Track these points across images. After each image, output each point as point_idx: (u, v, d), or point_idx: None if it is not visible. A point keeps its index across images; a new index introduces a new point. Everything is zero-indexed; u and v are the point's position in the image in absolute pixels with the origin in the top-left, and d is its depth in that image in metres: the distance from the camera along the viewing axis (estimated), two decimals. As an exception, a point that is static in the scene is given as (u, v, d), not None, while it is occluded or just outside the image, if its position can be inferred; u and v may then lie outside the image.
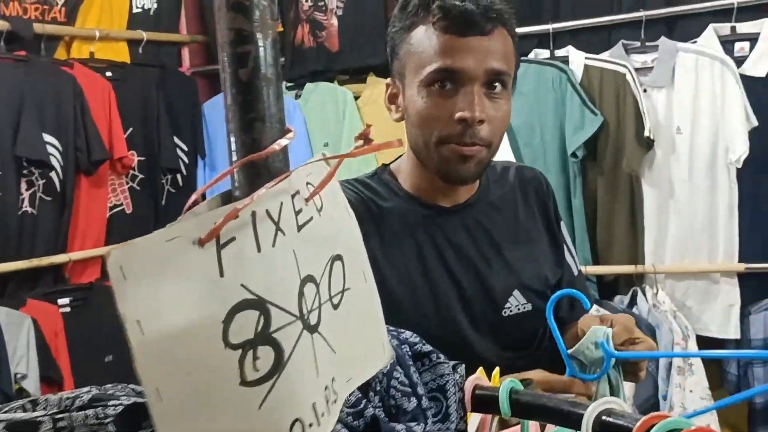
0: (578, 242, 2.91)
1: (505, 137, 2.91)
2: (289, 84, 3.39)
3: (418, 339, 1.12)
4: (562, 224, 1.46)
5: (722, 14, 2.79)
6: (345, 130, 3.24)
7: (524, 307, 1.33)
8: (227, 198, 0.60)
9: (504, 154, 2.87)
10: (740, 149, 2.67)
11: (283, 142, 0.62)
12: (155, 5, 3.43)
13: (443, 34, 1.18)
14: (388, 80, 1.33)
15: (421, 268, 1.30)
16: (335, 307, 0.66)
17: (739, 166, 2.69)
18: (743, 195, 2.76)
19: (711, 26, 2.77)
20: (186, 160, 3.47)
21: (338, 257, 0.68)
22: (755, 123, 2.68)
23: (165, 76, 3.35)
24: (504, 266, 1.33)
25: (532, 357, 1.23)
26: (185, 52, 3.60)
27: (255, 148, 0.59)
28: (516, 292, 1.33)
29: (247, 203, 0.54)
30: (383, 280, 1.23)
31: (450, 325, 1.29)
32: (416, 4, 1.23)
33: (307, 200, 0.63)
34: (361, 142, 0.65)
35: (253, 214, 0.54)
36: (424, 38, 1.21)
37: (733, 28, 2.77)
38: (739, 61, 2.74)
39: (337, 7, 3.23)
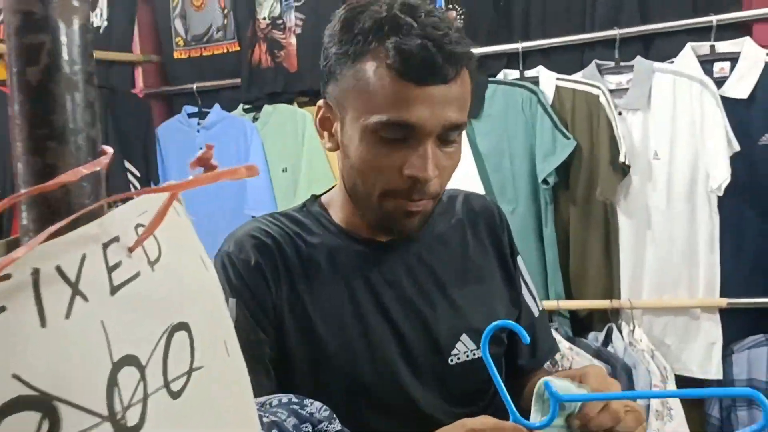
0: (550, 275, 2.72)
1: (473, 163, 2.74)
2: (246, 106, 3.20)
3: (327, 413, 0.96)
4: (519, 259, 1.31)
5: (701, 33, 2.62)
6: (304, 154, 3.05)
7: (473, 354, 1.17)
8: (14, 245, 0.43)
9: (471, 181, 2.69)
10: (721, 176, 2.49)
11: (84, 170, 0.43)
12: (105, 23, 3.25)
13: (398, 79, 1.01)
14: (321, 102, 1.15)
15: (354, 312, 1.14)
16: (175, 395, 0.47)
17: (720, 194, 2.51)
18: (725, 225, 2.58)
19: (689, 45, 2.61)
20: (138, 186, 3.27)
21: (181, 326, 0.49)
22: (737, 148, 2.51)
23: (115, 98, 3.16)
24: (450, 308, 1.18)
25: (485, 412, 1.06)
26: (138, 73, 3.41)
27: (47, 176, 0.42)
28: (464, 337, 1.17)
29: (16, 257, 0.37)
30: (311, 327, 1.12)
31: (389, 376, 1.13)
32: (366, 31, 1.05)
33: (131, 249, 0.44)
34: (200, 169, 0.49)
35: (36, 272, 0.38)
36: (374, 78, 1.03)
37: (712, 48, 2.60)
38: (719, 82, 2.57)
39: (296, 25, 3.06)
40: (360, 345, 1.13)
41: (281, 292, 1.12)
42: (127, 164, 3.21)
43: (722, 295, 2.59)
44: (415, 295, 1.17)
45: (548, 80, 2.73)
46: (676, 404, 2.51)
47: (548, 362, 1.35)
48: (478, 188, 2.70)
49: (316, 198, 1.27)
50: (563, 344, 2.60)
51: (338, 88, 1.09)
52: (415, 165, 1.04)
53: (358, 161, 1.08)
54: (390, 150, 1.04)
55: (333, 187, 1.26)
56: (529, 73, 2.78)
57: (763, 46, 2.55)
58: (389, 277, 1.17)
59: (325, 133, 1.16)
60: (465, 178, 2.69)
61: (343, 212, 1.20)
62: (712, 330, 2.61)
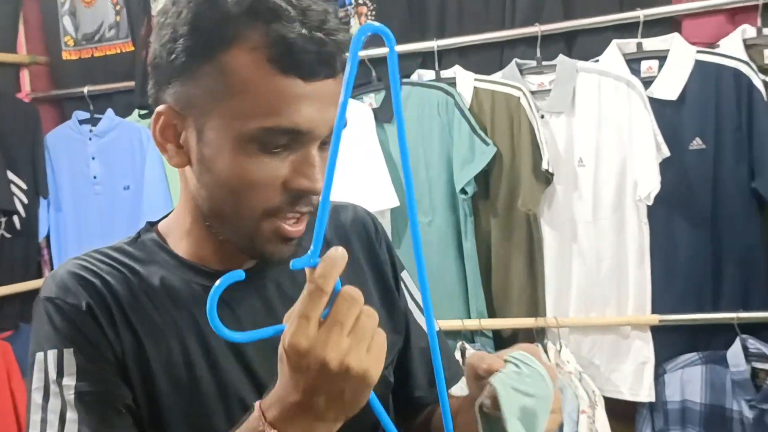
0: (471, 292, 2.52)
1: (386, 171, 2.52)
2: (142, 111, 2.93)
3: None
4: (405, 274, 1.14)
5: (627, 29, 2.44)
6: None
7: None
8: None
9: (384, 191, 2.47)
10: (650, 184, 2.31)
11: None
12: (-16, 20, 2.95)
13: (281, 74, 0.83)
14: (162, 108, 0.90)
15: (202, 355, 0.93)
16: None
17: (650, 203, 2.33)
18: (655, 236, 2.40)
19: (614, 42, 2.42)
20: (25, 200, 2.98)
21: None
22: (667, 153, 2.33)
23: (-4, 102, 2.87)
24: None
25: None
26: (24, 75, 3.11)
27: None
28: None
29: None
30: (148, 376, 0.92)
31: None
32: (231, 18, 0.84)
33: None
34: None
35: None
36: (251, 71, 0.83)
37: (639, 45, 2.42)
38: (647, 82, 2.39)
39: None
40: (211, 393, 0.93)
41: (120, 339, 0.91)
42: (12, 176, 2.92)
43: (653, 311, 2.41)
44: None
45: (466, 81, 2.52)
46: (604, 427, 2.33)
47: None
48: (392, 199, 2.48)
49: (151, 225, 1.04)
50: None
51: (191, 88, 0.86)
52: (302, 175, 0.87)
53: (228, 176, 0.87)
54: (271, 159, 0.86)
55: (170, 213, 1.03)
56: (445, 74, 2.57)
57: (694, 43, 2.38)
58: (245, 315, 0.96)
59: (169, 146, 0.92)
60: (377, 188, 2.48)
61: (186, 241, 0.98)
62: (643, 349, 2.43)
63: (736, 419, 2.30)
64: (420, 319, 1.12)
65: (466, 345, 2.49)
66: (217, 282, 0.75)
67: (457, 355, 2.45)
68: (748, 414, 2.27)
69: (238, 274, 0.77)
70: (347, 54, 0.78)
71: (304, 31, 0.82)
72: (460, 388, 1.12)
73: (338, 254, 0.74)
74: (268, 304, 0.98)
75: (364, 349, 0.74)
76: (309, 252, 0.73)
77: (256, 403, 0.79)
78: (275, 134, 0.84)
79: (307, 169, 0.87)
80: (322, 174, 0.83)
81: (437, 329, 1.07)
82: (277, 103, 0.83)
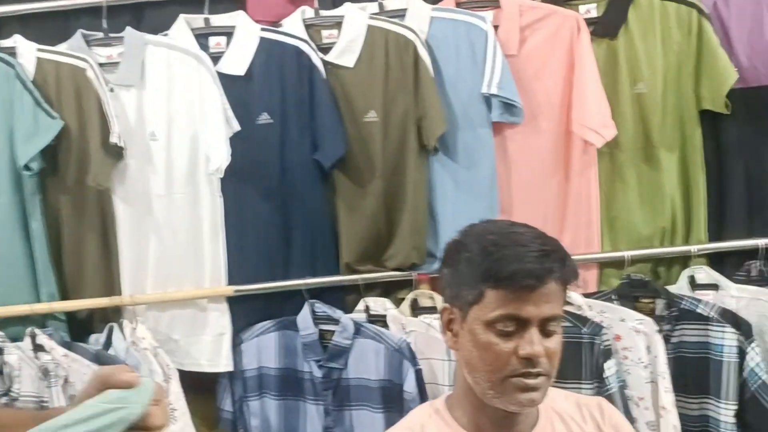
0: (40, 275, 2.39)
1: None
2: None
3: None
4: None
5: (195, 4, 2.47)
6: None
7: None
8: None
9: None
10: (220, 157, 2.34)
11: None
12: None
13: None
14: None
15: None
16: None
17: (221, 176, 2.37)
18: (229, 210, 2.45)
19: (182, 17, 2.43)
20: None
21: None
22: (237, 128, 2.38)
23: None
24: None
25: None
26: None
27: None
28: None
29: None
30: None
31: None
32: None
33: None
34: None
35: None
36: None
37: (207, 20, 2.46)
38: (216, 58, 2.43)
39: None
40: None
41: None
42: None
43: (229, 282, 2.46)
44: None
45: (28, 51, 2.38)
46: (180, 404, 2.33)
47: None
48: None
49: None
50: (58, 351, 2.29)
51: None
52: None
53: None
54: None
55: None
56: (5, 43, 2.41)
57: (258, 21, 2.46)
58: None
59: None
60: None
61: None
62: (221, 320, 2.47)
63: (307, 379, 2.42)
64: None
65: (37, 331, 2.34)
66: None
67: (28, 342, 2.30)
68: (317, 373, 2.39)
69: None
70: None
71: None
72: None
73: None
74: None
75: None
76: None
77: None
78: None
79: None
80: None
81: None
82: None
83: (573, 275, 1.37)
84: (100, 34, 2.42)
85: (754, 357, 2.30)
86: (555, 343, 1.33)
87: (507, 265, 1.29)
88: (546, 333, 1.31)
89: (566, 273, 1.34)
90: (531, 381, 1.30)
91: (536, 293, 1.29)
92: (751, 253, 2.47)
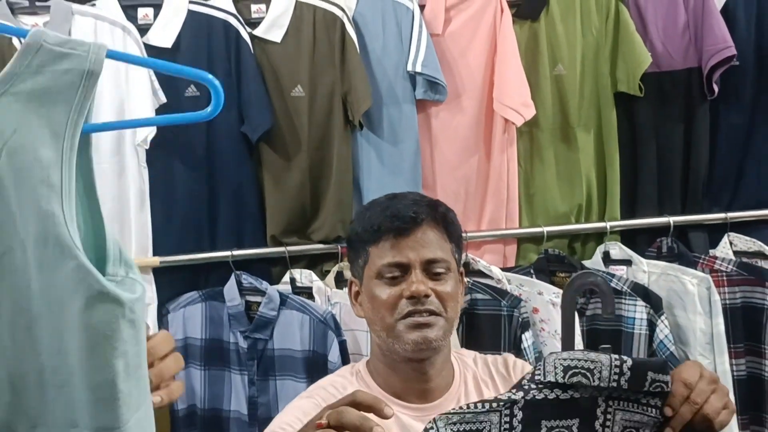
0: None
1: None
2: None
3: None
4: None
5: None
6: None
7: None
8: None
9: None
10: (146, 128, 2.36)
11: None
12: None
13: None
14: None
15: None
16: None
17: (147, 146, 2.38)
18: (155, 181, 2.46)
19: (110, -13, 2.43)
20: None
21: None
22: (163, 99, 2.40)
23: None
24: None
25: None
26: None
27: None
28: None
29: None
30: None
31: None
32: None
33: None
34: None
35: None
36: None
37: (132, -8, 2.47)
38: (144, 30, 2.44)
39: None
40: None
41: None
42: None
43: (155, 253, 2.47)
44: None
45: (-50, 17, 2.35)
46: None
47: None
48: None
49: None
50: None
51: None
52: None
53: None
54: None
55: None
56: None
57: (187, -6, 2.47)
58: None
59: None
60: None
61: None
62: (147, 291, 2.48)
63: (233, 350, 2.45)
64: None
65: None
66: None
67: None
68: (243, 344, 2.42)
69: None
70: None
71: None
72: None
73: None
74: None
75: None
76: None
77: None
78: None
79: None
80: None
81: None
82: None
83: (446, 222, 1.49)
84: (26, 2, 2.40)
85: (663, 329, 2.41)
86: (445, 286, 1.44)
87: (379, 216, 1.45)
88: (432, 276, 1.43)
89: (438, 217, 1.47)
90: (420, 318, 1.41)
91: (411, 238, 1.44)
92: (662, 230, 2.60)
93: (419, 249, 1.44)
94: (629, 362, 1.08)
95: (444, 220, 1.49)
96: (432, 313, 1.41)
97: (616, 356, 1.09)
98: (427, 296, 1.41)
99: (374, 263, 1.46)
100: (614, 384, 1.07)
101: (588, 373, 1.08)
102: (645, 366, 1.07)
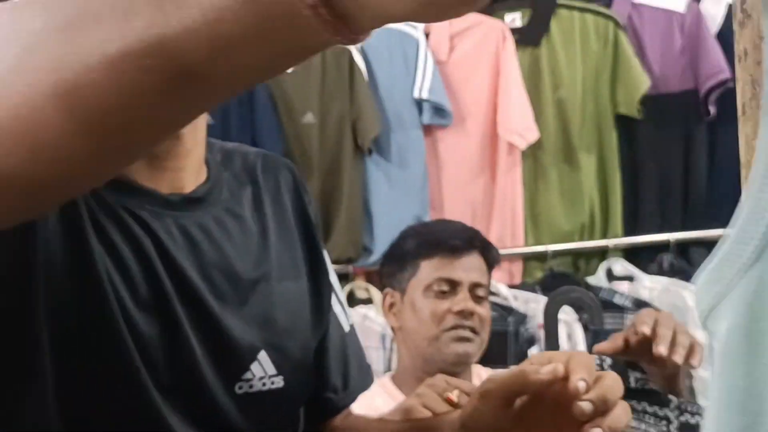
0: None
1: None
2: None
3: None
4: (325, 252, 0.94)
5: None
6: None
7: (271, 383, 0.79)
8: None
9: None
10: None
11: None
12: None
13: None
14: None
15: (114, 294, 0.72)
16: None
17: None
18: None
19: None
20: None
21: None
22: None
23: None
24: (246, 311, 0.80)
25: None
26: None
27: None
28: (262, 356, 0.79)
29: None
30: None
31: (135, 397, 0.72)
32: None
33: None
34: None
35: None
36: None
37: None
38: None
39: None
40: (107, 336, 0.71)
41: None
42: None
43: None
44: (200, 283, 0.77)
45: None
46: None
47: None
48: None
49: None
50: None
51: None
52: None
53: None
54: None
55: None
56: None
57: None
58: (172, 251, 0.76)
59: None
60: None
61: None
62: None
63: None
64: (337, 307, 0.93)
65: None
66: None
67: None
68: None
69: None
70: None
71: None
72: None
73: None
74: (195, 245, 0.78)
75: None
76: None
77: None
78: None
79: None
80: None
81: (351, 321, 0.96)
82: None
83: (494, 255, 1.63)
84: None
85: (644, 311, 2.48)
86: (484, 309, 1.55)
87: (436, 234, 1.57)
88: (476, 298, 1.53)
89: (487, 247, 1.59)
90: (464, 333, 1.51)
91: (463, 259, 1.54)
92: (663, 247, 2.67)
93: (469, 271, 1.55)
94: (609, 361, 1.14)
95: (488, 249, 1.61)
96: (473, 331, 1.52)
97: (597, 357, 1.15)
98: (472, 314, 1.51)
99: (424, 276, 1.55)
100: None
101: None
102: (625, 365, 1.14)
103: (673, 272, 2.64)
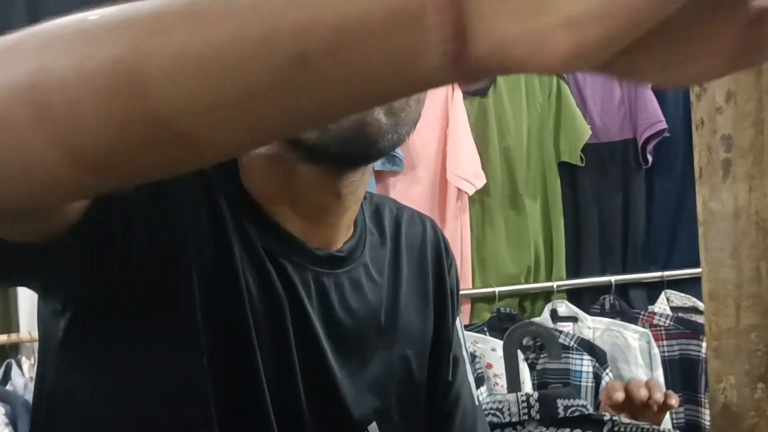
0: None
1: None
2: None
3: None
4: (458, 321, 0.93)
5: None
6: None
7: None
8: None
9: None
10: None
11: None
12: None
13: None
14: None
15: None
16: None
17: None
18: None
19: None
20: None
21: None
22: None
23: None
24: (364, 375, 0.79)
25: None
26: None
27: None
28: (373, 427, 0.78)
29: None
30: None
31: None
32: None
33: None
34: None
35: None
36: None
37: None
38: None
39: None
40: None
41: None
42: None
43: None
44: (325, 342, 0.75)
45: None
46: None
47: None
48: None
49: None
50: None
51: None
52: None
53: None
54: None
55: None
56: None
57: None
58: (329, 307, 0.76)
59: None
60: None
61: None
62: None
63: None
64: (470, 378, 0.93)
65: None
66: None
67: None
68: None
69: None
70: None
71: None
72: None
73: None
74: (342, 297, 0.77)
75: None
76: None
77: None
78: None
79: None
80: None
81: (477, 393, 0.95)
82: None
83: None
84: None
85: (608, 381, 2.57)
86: None
87: None
88: None
89: None
90: None
91: None
92: (605, 289, 2.78)
93: None
94: (536, 395, 1.21)
95: None
96: None
97: (523, 393, 1.22)
98: None
99: None
100: (526, 416, 1.20)
101: (498, 413, 1.20)
102: (552, 395, 1.21)
103: (614, 313, 2.75)
